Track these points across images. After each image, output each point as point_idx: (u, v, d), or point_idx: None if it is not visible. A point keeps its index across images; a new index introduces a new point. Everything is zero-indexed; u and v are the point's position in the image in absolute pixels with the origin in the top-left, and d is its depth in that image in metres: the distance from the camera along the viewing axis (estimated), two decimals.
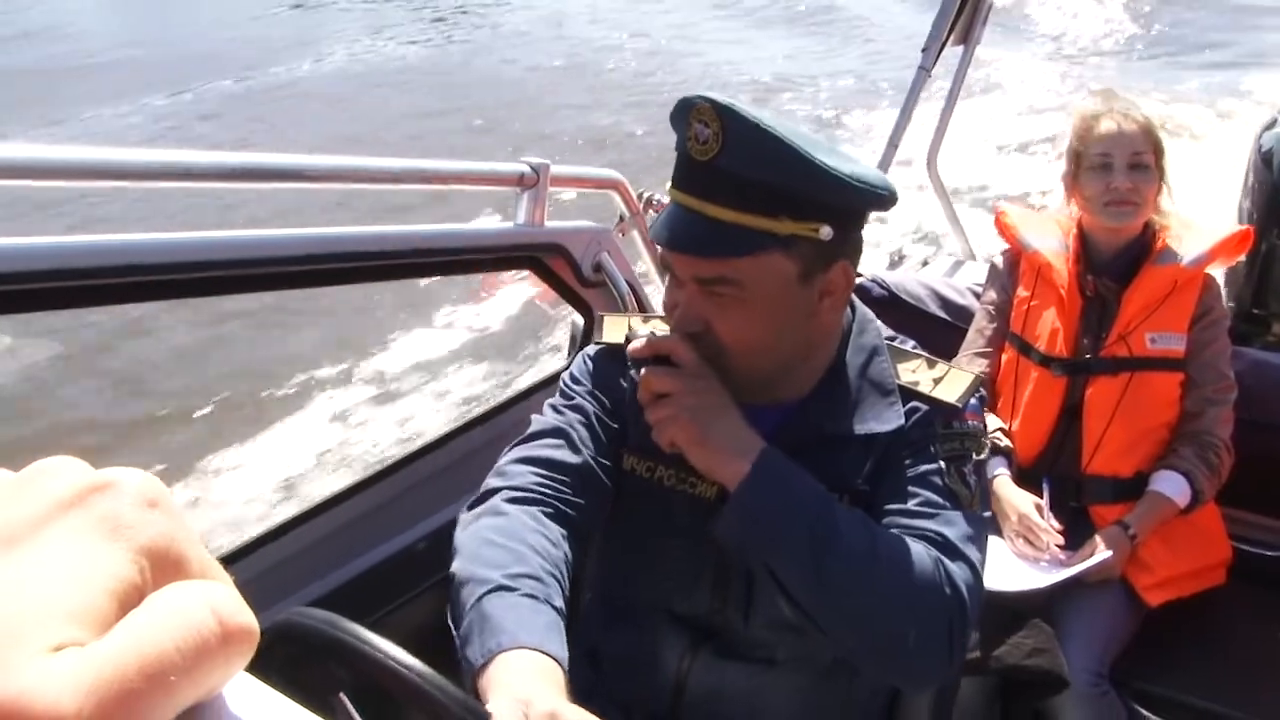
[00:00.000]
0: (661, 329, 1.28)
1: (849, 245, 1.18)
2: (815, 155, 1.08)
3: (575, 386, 1.35)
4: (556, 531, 1.19)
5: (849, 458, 1.21)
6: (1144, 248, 2.05)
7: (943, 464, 1.19)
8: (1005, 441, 2.06)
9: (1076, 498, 2.05)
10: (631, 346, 1.18)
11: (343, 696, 1.08)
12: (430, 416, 4.58)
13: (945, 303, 2.51)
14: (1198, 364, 2.01)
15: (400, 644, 1.03)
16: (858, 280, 2.58)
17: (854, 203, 1.14)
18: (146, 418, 4.80)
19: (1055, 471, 2.07)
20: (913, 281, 2.60)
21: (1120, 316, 2.03)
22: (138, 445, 4.50)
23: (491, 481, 1.27)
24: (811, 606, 1.12)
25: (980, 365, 2.18)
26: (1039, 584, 1.90)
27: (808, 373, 1.25)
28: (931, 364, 1.27)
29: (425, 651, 1.05)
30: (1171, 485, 1.95)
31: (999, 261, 2.25)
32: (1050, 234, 2.16)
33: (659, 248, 1.18)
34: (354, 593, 1.58)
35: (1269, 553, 2.19)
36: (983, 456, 1.24)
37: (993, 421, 2.09)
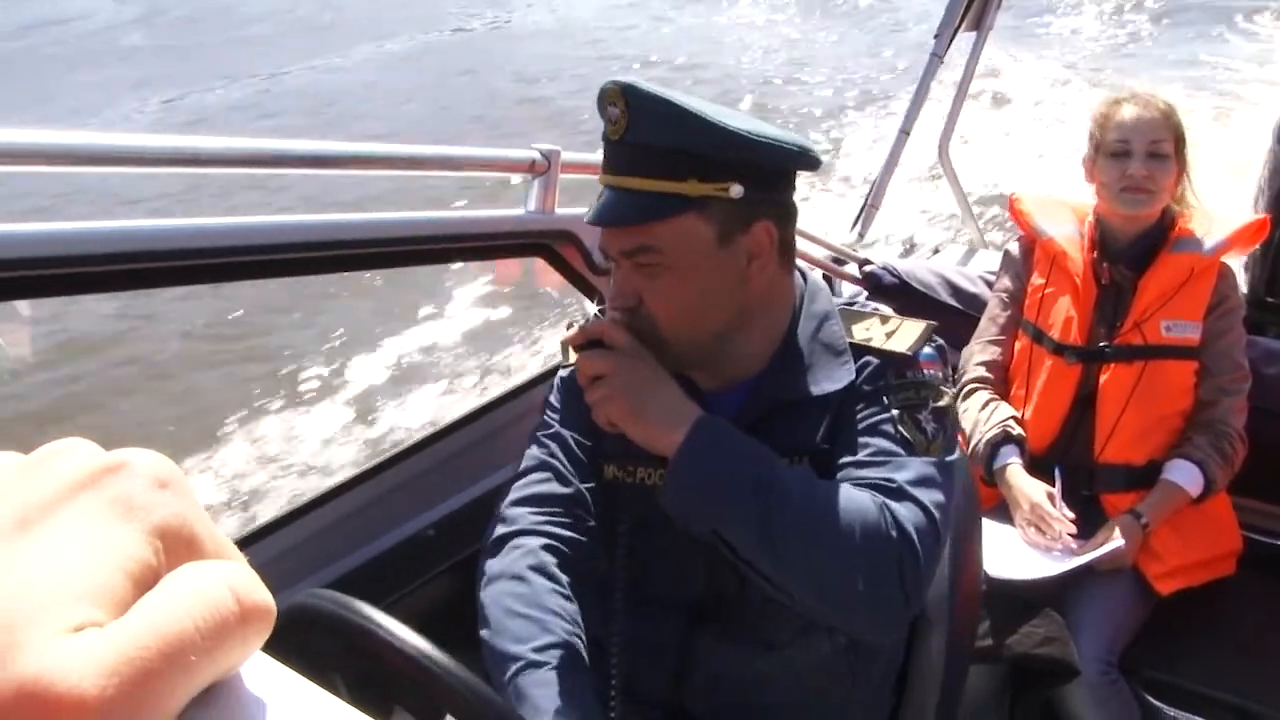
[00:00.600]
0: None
1: (770, 205, 1.20)
2: (712, 116, 1.12)
3: (551, 414, 1.41)
4: (566, 581, 1.28)
5: (807, 421, 1.23)
6: (1160, 235, 2.04)
7: (895, 412, 1.20)
8: (1017, 430, 2.05)
9: (1089, 486, 2.04)
10: (565, 337, 1.23)
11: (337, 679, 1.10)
12: (440, 404, 4.60)
13: (957, 290, 2.50)
14: (1212, 353, 2.00)
15: (412, 627, 1.03)
16: (868, 268, 2.60)
17: (762, 160, 1.16)
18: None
19: (1068, 460, 2.06)
20: (924, 269, 2.59)
21: (1135, 304, 2.02)
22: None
23: (498, 530, 1.34)
24: (763, 567, 1.14)
25: (993, 353, 2.17)
26: (1050, 572, 1.89)
27: (760, 347, 1.27)
28: (885, 320, 1.29)
29: (436, 635, 1.06)
30: (1184, 474, 1.95)
31: (1013, 248, 2.24)
32: (1065, 221, 2.15)
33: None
34: (366, 577, 1.59)
35: None
36: (943, 403, 1.24)
37: (1004, 410, 2.09)
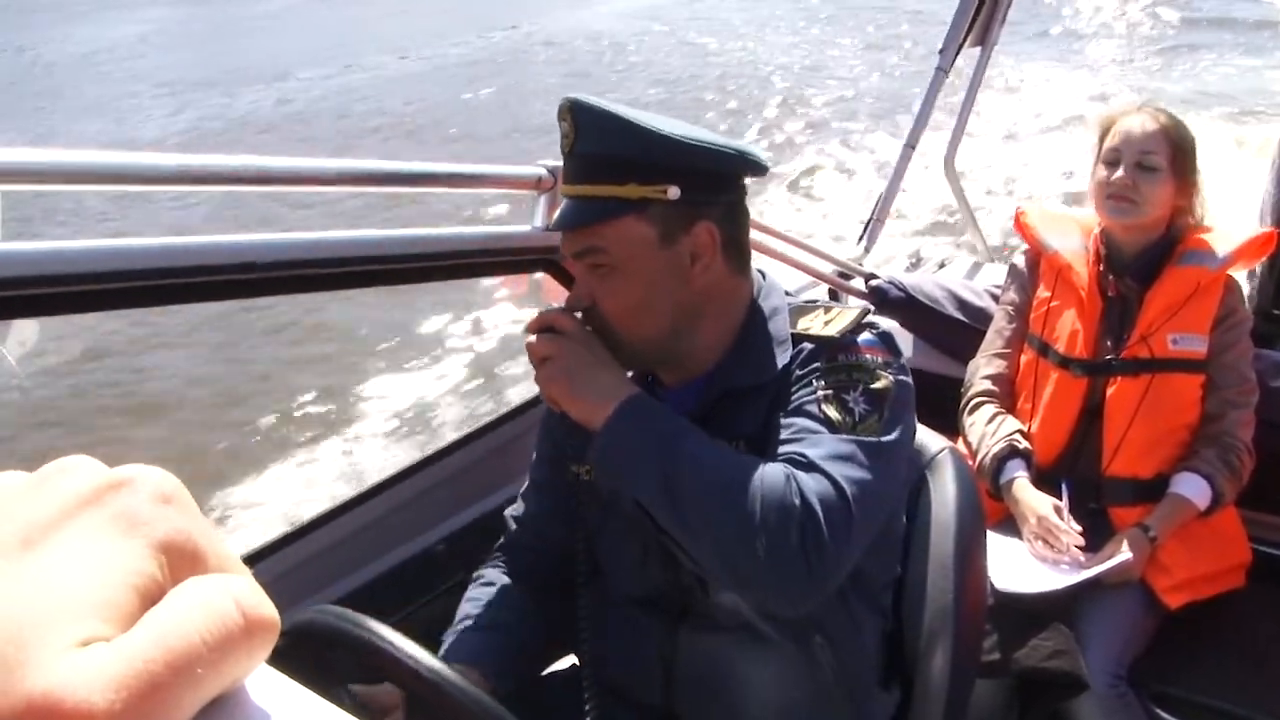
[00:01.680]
0: None
1: (710, 207, 1.26)
2: (647, 123, 1.20)
3: (545, 422, 1.49)
4: (539, 583, 1.45)
5: (748, 409, 1.28)
6: (1166, 249, 2.04)
7: (822, 394, 1.23)
8: (1024, 444, 2.05)
9: (1096, 499, 2.04)
10: (528, 323, 1.29)
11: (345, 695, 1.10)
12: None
13: (963, 304, 2.50)
14: (1219, 366, 2.00)
15: (422, 643, 1.04)
16: (874, 283, 2.61)
17: (698, 163, 1.23)
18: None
19: (1075, 473, 2.06)
20: (930, 283, 2.59)
21: (1142, 317, 2.01)
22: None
23: (500, 541, 1.52)
24: (675, 532, 1.18)
25: (999, 366, 2.17)
26: (1058, 585, 1.89)
27: (714, 341, 1.32)
28: (828, 310, 1.33)
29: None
30: (1192, 487, 1.94)
31: (1019, 262, 2.25)
32: (1071, 234, 2.15)
33: None
34: (374, 593, 1.59)
35: None
36: (878, 385, 1.24)
37: (1011, 424, 2.08)
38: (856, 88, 10.22)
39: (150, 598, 0.29)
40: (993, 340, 2.22)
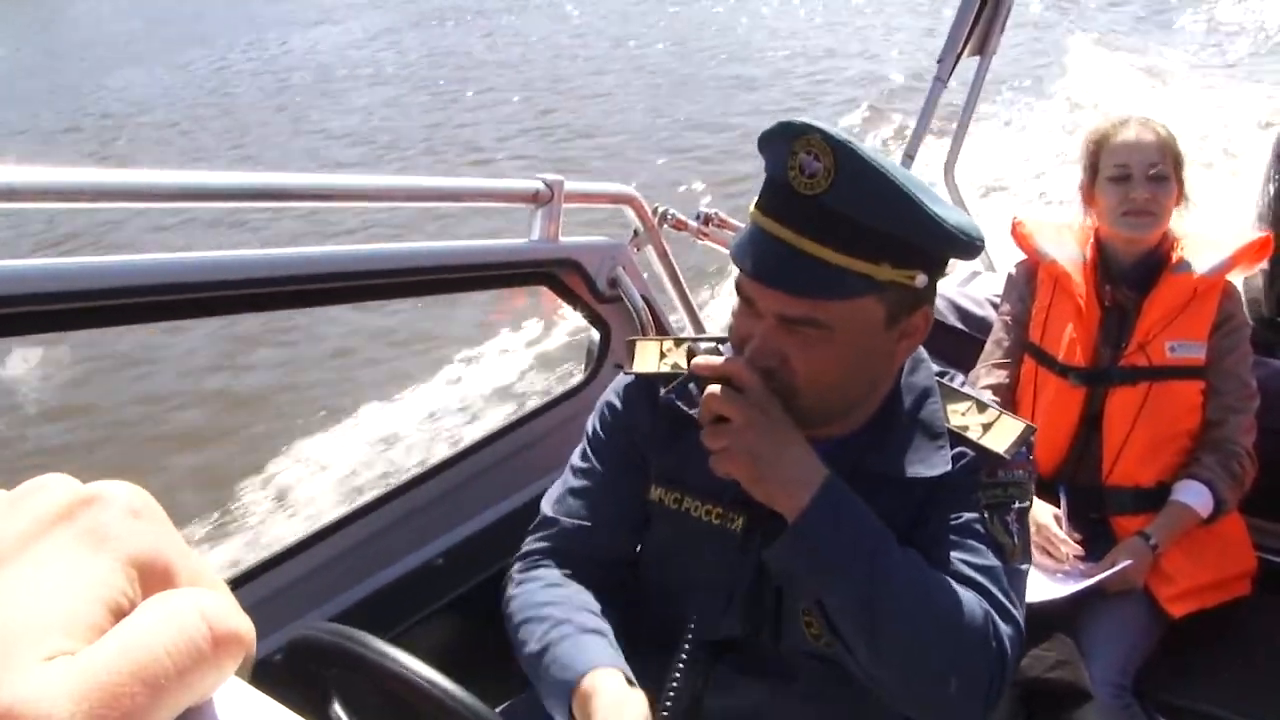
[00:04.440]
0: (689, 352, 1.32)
1: (934, 291, 1.16)
2: (927, 204, 1.05)
3: (605, 421, 1.38)
4: (595, 591, 1.30)
5: (891, 499, 1.17)
6: (1163, 256, 2.04)
7: (985, 513, 1.18)
8: None
9: (1098, 508, 2.03)
10: (695, 362, 1.14)
11: (335, 702, 1.10)
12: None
13: (963, 314, 2.50)
14: (1219, 372, 1.99)
15: (421, 658, 1.03)
16: None
17: (950, 252, 1.13)
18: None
19: (1076, 482, 2.05)
20: None
21: (1139, 325, 2.01)
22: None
23: (530, 544, 1.36)
24: (857, 642, 1.11)
25: (999, 376, 2.17)
26: (1059, 594, 1.88)
27: (862, 409, 1.23)
28: (982, 408, 1.25)
29: (446, 664, 1.06)
30: (1194, 495, 1.94)
31: (1016, 272, 2.25)
32: (1067, 244, 2.15)
33: (741, 273, 1.13)
34: (373, 608, 1.59)
35: None
36: (1026, 504, 1.22)
37: None
38: (862, 89, 10.22)
39: (119, 612, 0.29)
40: (992, 350, 2.22)
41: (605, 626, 1.25)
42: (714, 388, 1.09)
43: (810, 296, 1.08)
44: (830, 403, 1.17)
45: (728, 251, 1.22)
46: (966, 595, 1.11)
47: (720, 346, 1.16)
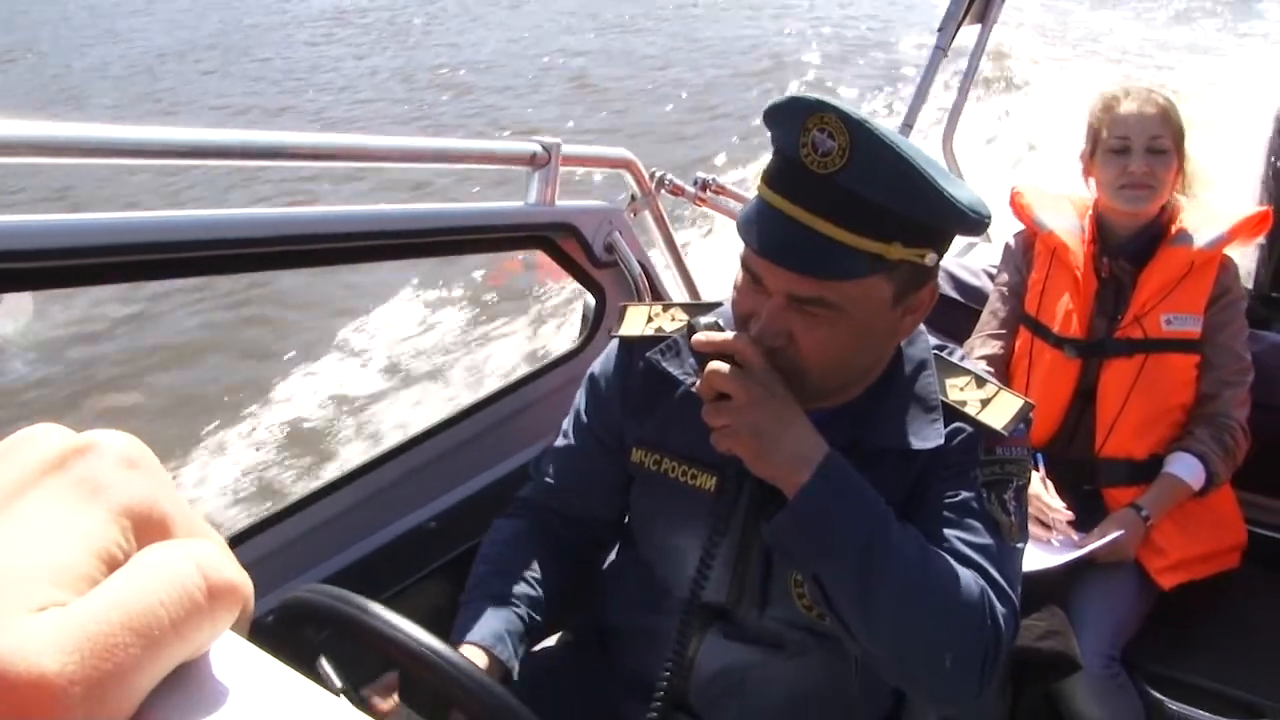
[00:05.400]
0: (678, 320, 1.35)
1: (938, 266, 1.15)
2: (941, 184, 1.03)
3: (594, 382, 1.41)
4: (555, 548, 1.39)
5: (885, 472, 1.17)
6: (1161, 229, 2.04)
7: (984, 491, 1.17)
8: None
9: (1090, 480, 2.04)
10: (695, 339, 1.12)
11: (323, 660, 1.10)
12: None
13: (959, 284, 2.49)
14: (1214, 345, 1.99)
15: (414, 620, 1.03)
16: None
17: (961, 230, 1.11)
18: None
19: (1069, 454, 2.06)
20: None
21: (1136, 298, 2.01)
22: None
23: (523, 492, 1.47)
24: (853, 617, 1.11)
25: (994, 347, 2.16)
26: (1049, 564, 1.89)
27: (860, 382, 1.22)
28: (980, 383, 1.24)
29: (438, 628, 1.05)
30: (1186, 467, 1.94)
31: (1013, 242, 2.24)
32: (1065, 215, 2.14)
33: (748, 249, 1.11)
34: (366, 571, 1.58)
35: None
36: (1024, 482, 1.22)
37: None
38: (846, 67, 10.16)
39: (113, 563, 0.28)
40: (988, 321, 2.21)
41: (524, 591, 1.32)
42: (717, 364, 1.08)
43: (822, 277, 1.06)
44: (833, 379, 1.17)
45: (724, 217, 1.21)
46: (964, 573, 1.11)
47: (719, 320, 1.15)
